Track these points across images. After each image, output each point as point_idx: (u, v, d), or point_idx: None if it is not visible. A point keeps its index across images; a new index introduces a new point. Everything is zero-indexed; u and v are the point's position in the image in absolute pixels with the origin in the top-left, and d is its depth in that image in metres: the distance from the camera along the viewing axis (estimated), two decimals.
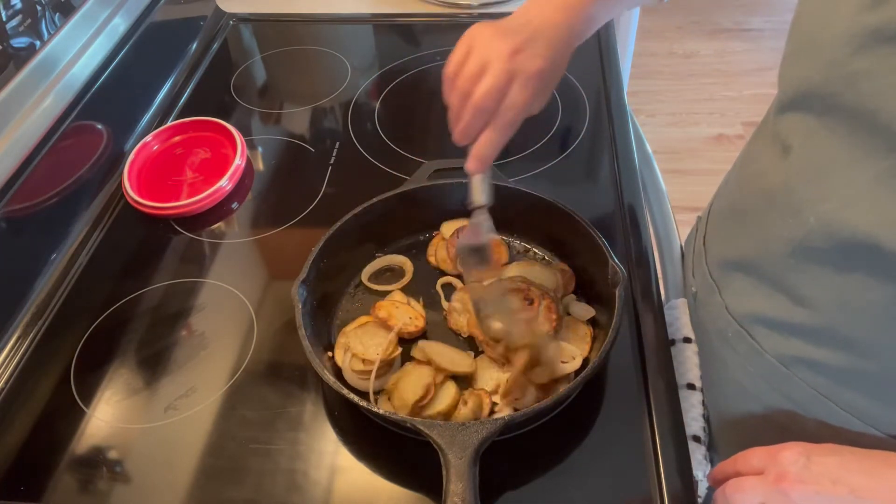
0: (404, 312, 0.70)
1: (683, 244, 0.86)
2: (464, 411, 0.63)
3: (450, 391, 0.64)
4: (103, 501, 0.60)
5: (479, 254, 0.67)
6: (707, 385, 0.71)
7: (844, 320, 0.53)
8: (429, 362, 0.65)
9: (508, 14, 0.61)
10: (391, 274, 0.77)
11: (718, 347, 0.68)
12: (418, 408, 0.62)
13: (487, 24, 0.60)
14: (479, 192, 0.64)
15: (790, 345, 0.58)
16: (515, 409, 0.62)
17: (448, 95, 0.61)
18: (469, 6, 1.23)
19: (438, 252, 0.78)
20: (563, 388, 0.61)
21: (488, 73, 0.57)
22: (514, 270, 0.73)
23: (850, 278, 0.50)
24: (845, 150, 0.48)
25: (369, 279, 0.76)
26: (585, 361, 0.65)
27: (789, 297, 0.57)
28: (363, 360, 0.65)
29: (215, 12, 1.25)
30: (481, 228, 0.66)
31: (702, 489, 0.66)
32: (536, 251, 0.78)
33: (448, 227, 0.79)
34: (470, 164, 0.61)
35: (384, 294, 0.75)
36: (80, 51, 0.91)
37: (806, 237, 0.52)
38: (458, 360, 0.66)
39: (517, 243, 0.79)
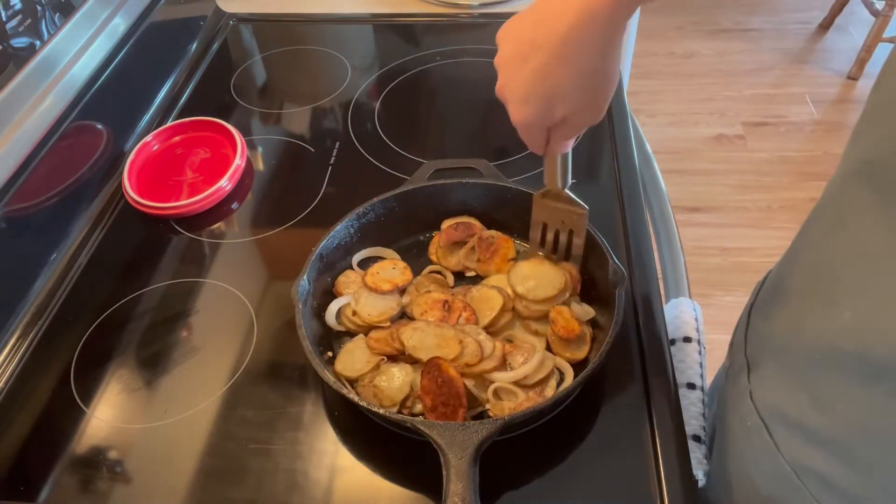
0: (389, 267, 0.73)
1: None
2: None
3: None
4: (103, 501, 0.60)
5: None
6: (717, 474, 0.64)
7: (861, 441, 0.46)
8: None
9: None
10: None
11: (738, 436, 0.59)
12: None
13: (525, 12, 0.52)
14: (549, 175, 0.64)
15: (805, 453, 0.51)
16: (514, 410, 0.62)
17: None
18: (469, 6, 1.23)
19: (439, 251, 0.77)
20: (563, 389, 0.61)
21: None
22: (522, 269, 0.72)
23: (872, 394, 0.44)
24: None
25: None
26: (585, 361, 0.65)
27: (809, 397, 0.50)
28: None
29: (215, 12, 1.25)
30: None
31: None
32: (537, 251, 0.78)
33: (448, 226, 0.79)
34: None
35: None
36: (80, 51, 0.91)
37: (836, 334, 0.45)
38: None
39: (518, 243, 0.79)
